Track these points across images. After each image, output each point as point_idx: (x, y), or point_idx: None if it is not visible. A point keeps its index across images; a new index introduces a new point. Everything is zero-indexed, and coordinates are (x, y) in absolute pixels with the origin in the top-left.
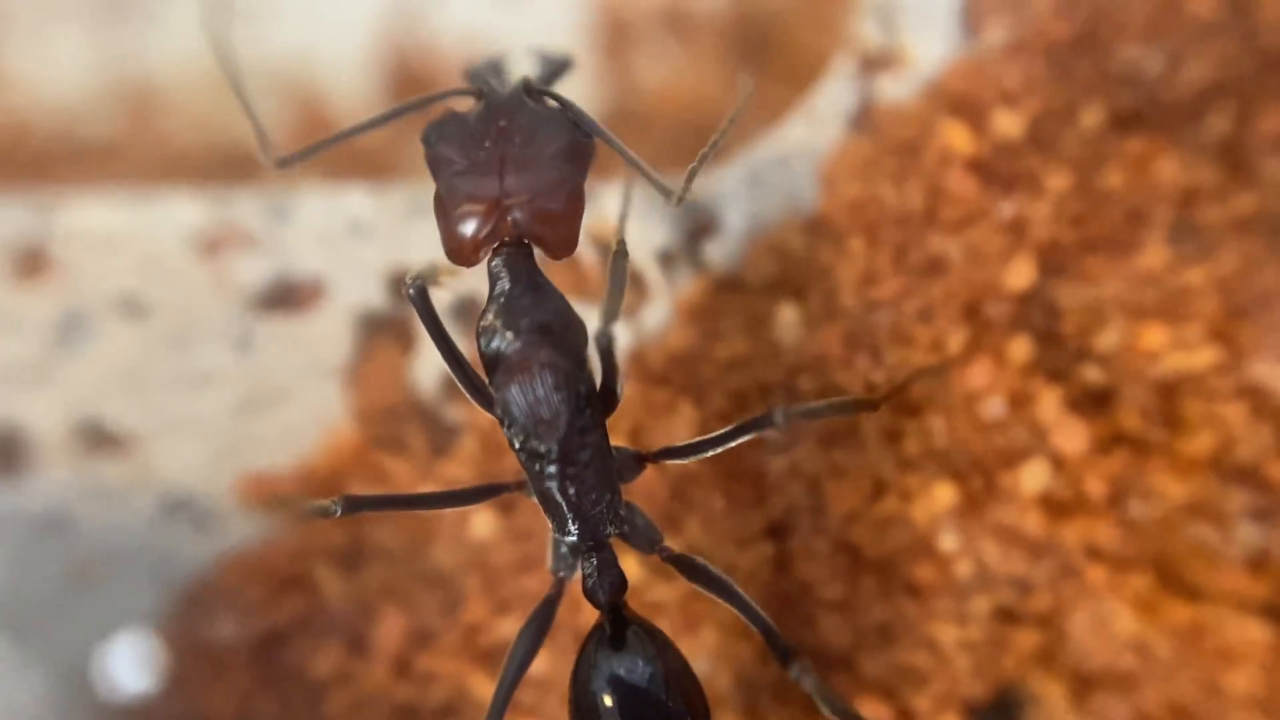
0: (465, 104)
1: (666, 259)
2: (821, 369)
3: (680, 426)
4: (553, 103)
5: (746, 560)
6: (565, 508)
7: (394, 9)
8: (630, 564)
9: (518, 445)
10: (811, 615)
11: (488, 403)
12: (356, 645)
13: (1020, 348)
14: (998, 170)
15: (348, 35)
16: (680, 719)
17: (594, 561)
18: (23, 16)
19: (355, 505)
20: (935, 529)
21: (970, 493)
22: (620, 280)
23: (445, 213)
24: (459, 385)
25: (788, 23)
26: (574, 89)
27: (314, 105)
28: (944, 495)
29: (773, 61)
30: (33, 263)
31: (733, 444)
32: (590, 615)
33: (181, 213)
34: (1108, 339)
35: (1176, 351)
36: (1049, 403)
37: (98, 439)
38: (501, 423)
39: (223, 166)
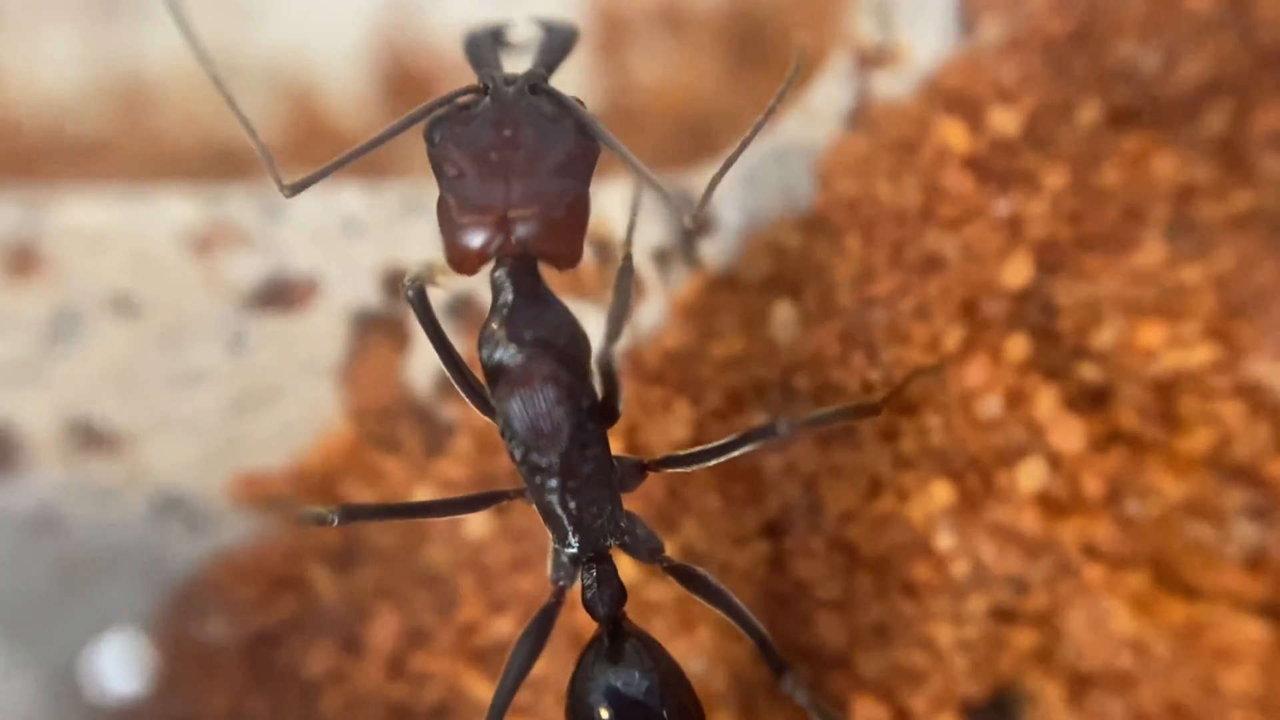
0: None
1: (661, 257)
2: (818, 367)
3: (676, 425)
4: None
5: (742, 559)
6: (566, 520)
7: (388, 6)
8: (626, 563)
9: (518, 458)
10: (808, 614)
11: (486, 407)
12: (350, 645)
13: (1017, 346)
14: (994, 167)
15: (342, 32)
16: None
17: (594, 573)
18: (13, 13)
19: (352, 515)
20: (932, 528)
21: (967, 491)
22: (625, 298)
23: (449, 222)
24: (457, 389)
25: (784, 19)
26: (570, 87)
27: (308, 103)
28: (941, 494)
29: (768, 58)
30: (24, 261)
31: (736, 454)
32: (585, 613)
33: (174, 210)
34: (1105, 337)
35: (1174, 349)
36: (1046, 401)
37: (89, 438)
38: (502, 434)
39: (215, 164)
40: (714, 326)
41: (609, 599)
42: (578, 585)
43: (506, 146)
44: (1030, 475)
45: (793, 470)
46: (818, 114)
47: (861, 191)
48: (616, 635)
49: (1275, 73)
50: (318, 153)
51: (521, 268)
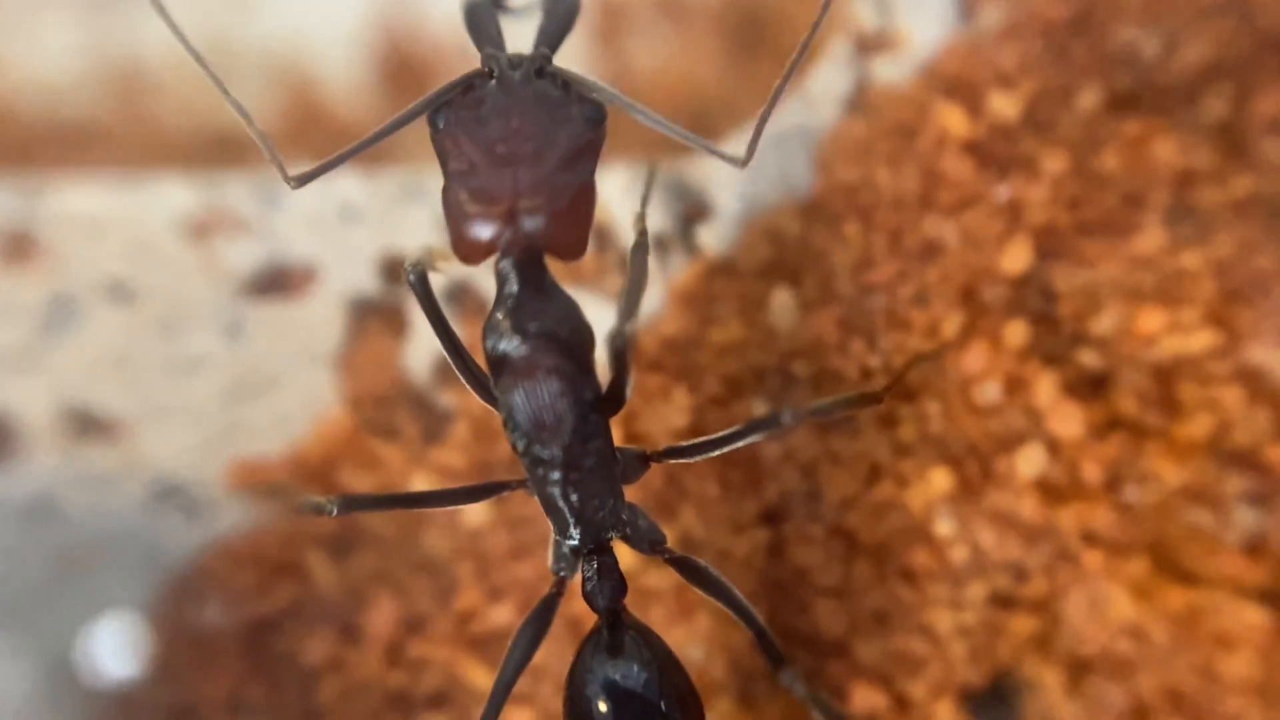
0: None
1: (660, 244)
2: (817, 353)
3: (674, 412)
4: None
5: (741, 546)
6: (567, 513)
7: None
8: (625, 551)
9: (521, 449)
10: (807, 601)
11: (487, 395)
12: (348, 632)
13: (1016, 332)
14: (994, 153)
15: (339, 19)
16: None
17: (594, 565)
18: None
19: (351, 505)
20: (931, 514)
21: (966, 478)
22: (641, 274)
23: (456, 214)
24: (459, 375)
25: (783, 6)
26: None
27: (305, 90)
28: (940, 480)
29: (767, 43)
30: (20, 247)
31: (739, 444)
32: (583, 602)
33: (171, 197)
34: (1104, 323)
35: (1173, 335)
36: (1045, 387)
37: (86, 425)
38: (505, 425)
39: (212, 150)
40: (713, 313)
41: (609, 591)
42: (578, 575)
43: (514, 137)
44: (1029, 461)
45: (792, 457)
46: (817, 100)
47: (861, 177)
48: (616, 627)
49: (1275, 57)
50: (315, 140)
51: (527, 259)
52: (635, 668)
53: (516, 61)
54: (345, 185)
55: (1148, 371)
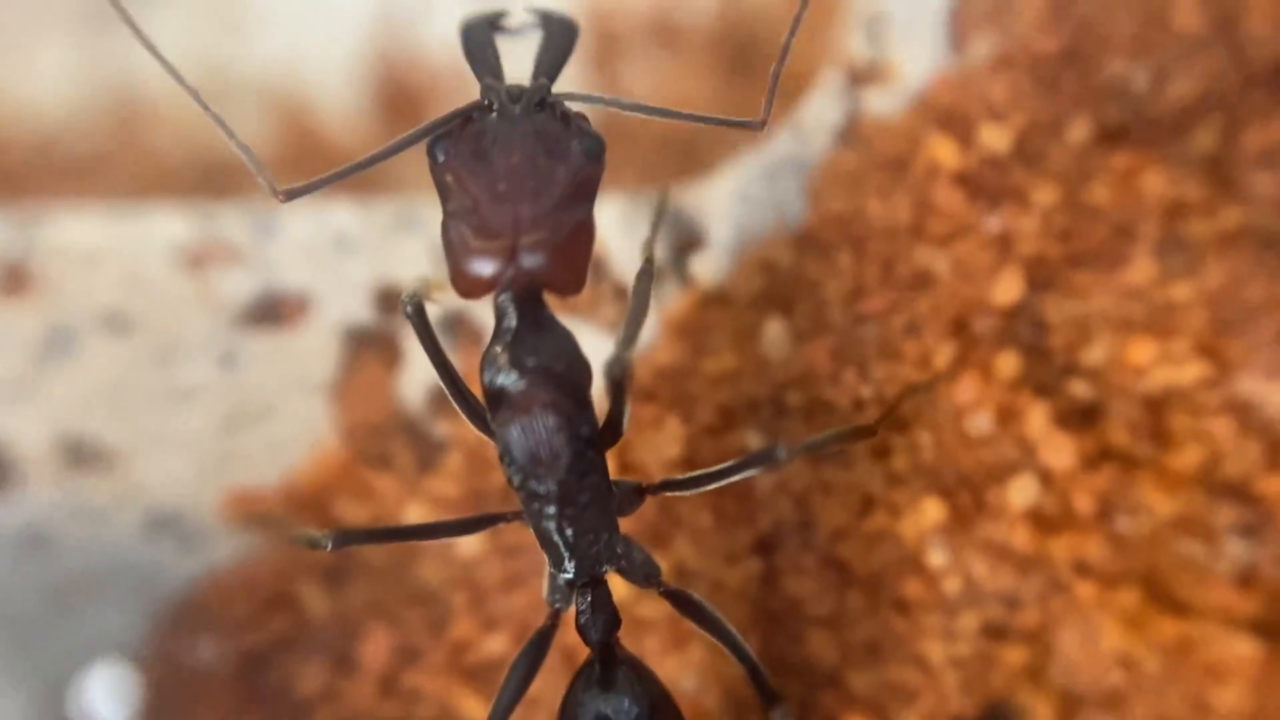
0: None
1: (654, 274)
2: (809, 384)
3: (667, 442)
4: (563, 111)
5: (734, 577)
6: (562, 547)
7: (381, 20)
8: (619, 582)
9: (516, 483)
10: (799, 631)
11: (484, 427)
12: (342, 663)
13: (1008, 363)
14: (985, 184)
15: (335, 46)
16: None
17: (589, 599)
18: (4, 28)
19: (346, 539)
20: (923, 545)
21: (958, 508)
22: (643, 303)
23: (457, 249)
24: (456, 407)
25: (775, 34)
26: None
27: (301, 117)
28: (932, 511)
29: (760, 67)
30: (15, 278)
31: (734, 479)
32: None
33: (166, 227)
34: (1095, 354)
35: (1164, 366)
36: (1037, 418)
37: (81, 455)
38: (501, 459)
39: (207, 180)
40: (706, 343)
41: (603, 625)
42: (573, 607)
43: (515, 173)
44: (1021, 492)
45: (784, 488)
46: (809, 131)
47: (852, 208)
48: (608, 661)
49: (1264, 91)
50: (311, 167)
51: (527, 295)
52: (627, 702)
53: (516, 94)
54: (340, 215)
55: (1139, 402)
